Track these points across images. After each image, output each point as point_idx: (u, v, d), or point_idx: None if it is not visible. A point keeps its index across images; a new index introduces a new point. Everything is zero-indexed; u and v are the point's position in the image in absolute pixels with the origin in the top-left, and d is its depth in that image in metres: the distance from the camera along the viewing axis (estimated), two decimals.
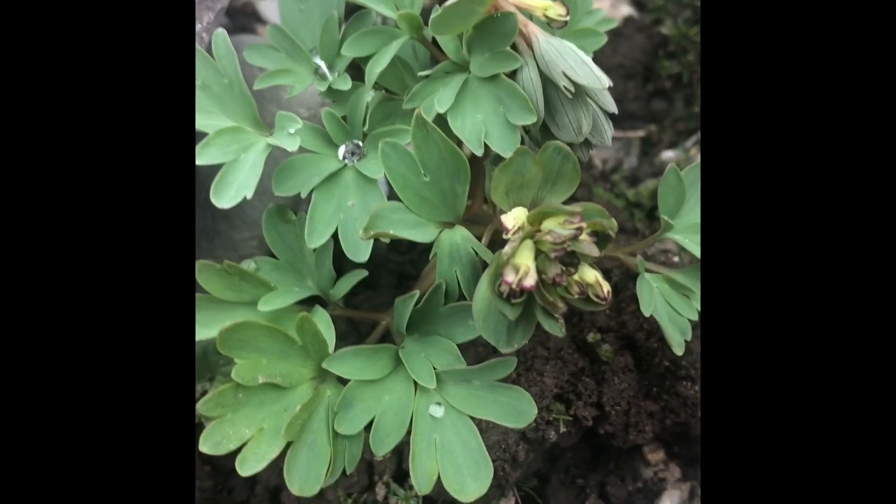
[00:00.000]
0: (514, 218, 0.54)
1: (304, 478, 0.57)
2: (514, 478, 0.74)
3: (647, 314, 0.67)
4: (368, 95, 0.66)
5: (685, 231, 0.70)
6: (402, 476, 0.79)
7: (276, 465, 0.81)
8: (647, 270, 0.71)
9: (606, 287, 0.55)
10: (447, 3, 0.56)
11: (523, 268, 0.51)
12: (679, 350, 0.67)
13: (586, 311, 0.80)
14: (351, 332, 0.82)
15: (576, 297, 0.54)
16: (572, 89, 0.58)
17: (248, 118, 0.65)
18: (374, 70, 0.64)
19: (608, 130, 0.62)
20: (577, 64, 0.58)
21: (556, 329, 0.55)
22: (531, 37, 0.60)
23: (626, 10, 1.22)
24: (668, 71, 1.10)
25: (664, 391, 0.78)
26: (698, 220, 0.70)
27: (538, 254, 0.53)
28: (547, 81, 0.60)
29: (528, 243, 0.53)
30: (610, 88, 0.62)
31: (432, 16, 0.57)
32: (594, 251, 0.53)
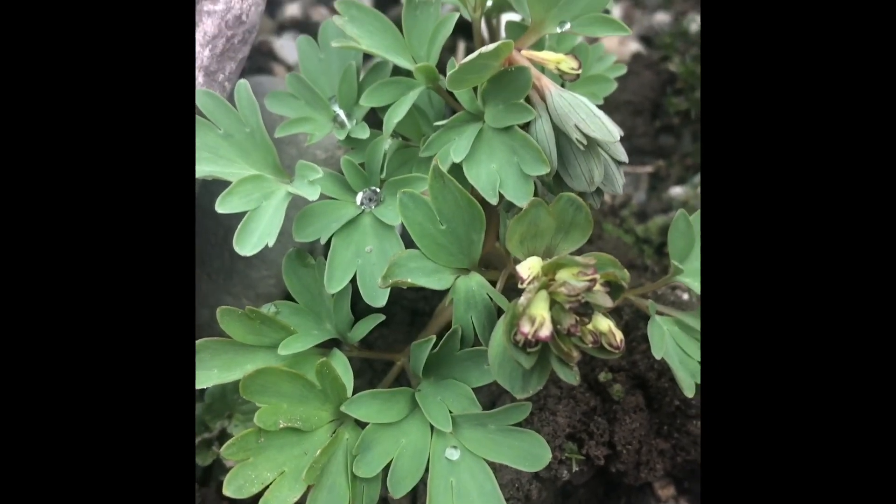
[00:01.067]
0: (528, 268, 0.56)
1: None
2: None
3: (658, 357, 0.68)
4: (386, 143, 0.68)
5: (695, 275, 0.71)
6: None
7: None
8: (658, 313, 0.73)
9: (619, 336, 0.56)
10: (464, 61, 0.58)
11: (539, 318, 0.53)
12: (689, 393, 0.69)
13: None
14: (366, 371, 0.83)
15: (589, 346, 0.56)
16: (584, 142, 0.60)
17: (269, 166, 0.67)
18: (392, 120, 0.66)
19: (619, 179, 0.64)
20: (588, 117, 0.59)
21: (571, 377, 0.57)
22: (544, 90, 0.62)
23: (634, 46, 1.24)
24: (675, 108, 1.11)
25: (675, 429, 0.79)
26: None
27: (553, 304, 0.55)
28: (559, 133, 0.62)
29: (543, 294, 0.54)
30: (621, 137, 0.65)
31: (448, 72, 0.59)
32: (608, 302, 0.54)
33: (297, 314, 0.67)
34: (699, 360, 0.69)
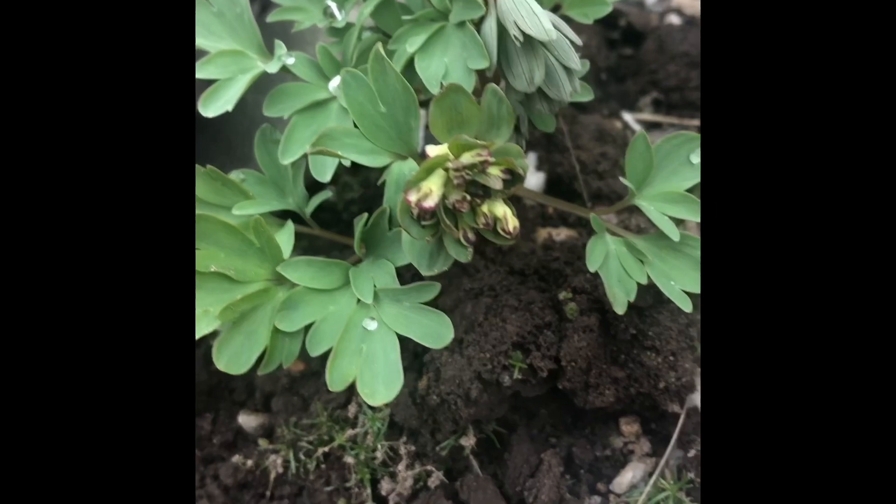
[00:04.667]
0: (437, 149, 0.59)
1: (233, 358, 0.64)
2: (467, 414, 0.78)
3: (591, 270, 0.69)
4: (364, 34, 0.72)
5: (653, 199, 0.71)
6: None
7: (273, 375, 0.90)
8: (612, 233, 0.73)
9: (513, 223, 0.58)
10: None
11: (425, 189, 0.56)
12: (620, 309, 0.69)
13: (567, 273, 0.82)
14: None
15: (482, 227, 0.58)
16: (521, 38, 0.61)
17: (254, 45, 0.73)
18: (364, 11, 0.70)
19: (566, 85, 0.65)
20: (528, 15, 0.61)
21: (463, 255, 0.59)
22: None
23: None
24: None
25: (630, 359, 0.79)
26: (669, 189, 0.71)
27: (447, 182, 0.57)
28: (506, 32, 0.64)
29: (440, 171, 0.57)
30: (579, 48, 0.66)
31: None
32: (497, 184, 0.56)
33: (262, 184, 0.73)
34: (638, 280, 0.70)
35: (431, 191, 0.56)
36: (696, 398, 0.84)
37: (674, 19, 1.20)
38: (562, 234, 0.92)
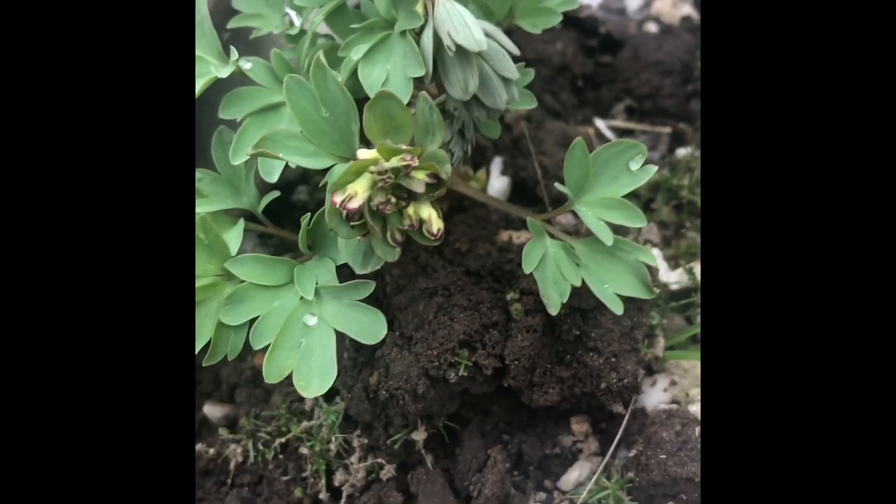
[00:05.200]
0: (366, 153, 0.61)
1: None
2: (415, 409, 0.80)
3: (526, 272, 0.72)
4: (320, 41, 0.75)
5: (592, 205, 0.73)
6: (330, 394, 0.87)
7: (237, 366, 0.93)
8: (553, 236, 0.76)
9: (437, 225, 0.61)
10: None
11: (350, 191, 0.59)
12: (554, 311, 0.72)
13: (519, 275, 0.85)
14: None
15: (407, 228, 0.61)
16: (454, 48, 0.64)
17: (214, 51, 0.76)
18: (317, 19, 0.73)
19: (501, 94, 0.68)
20: (460, 26, 0.63)
21: (390, 255, 0.62)
22: (436, 0, 0.67)
23: (687, 9, 1.22)
24: (698, 71, 1.10)
25: (575, 360, 0.82)
26: (607, 195, 0.73)
27: (373, 185, 0.60)
28: (442, 42, 0.66)
29: (367, 174, 0.60)
30: (517, 57, 0.68)
31: None
32: (420, 188, 0.59)
33: (217, 183, 0.77)
34: (573, 283, 0.72)
35: (357, 192, 0.59)
36: (643, 399, 0.86)
37: (651, 27, 1.21)
38: (522, 237, 0.94)
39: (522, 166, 1.00)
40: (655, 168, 0.72)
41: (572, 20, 1.19)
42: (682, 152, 1.07)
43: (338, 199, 0.59)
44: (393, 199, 0.60)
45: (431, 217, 0.61)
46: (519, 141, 1.02)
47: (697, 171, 1.03)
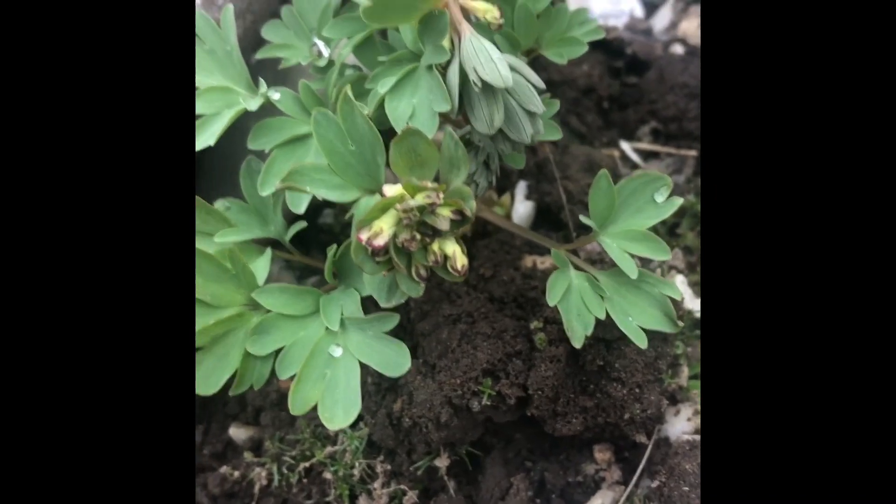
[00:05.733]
0: (392, 189, 0.62)
1: (204, 379, 0.68)
2: (438, 437, 0.81)
3: (551, 304, 0.72)
4: (347, 71, 0.76)
5: (616, 236, 0.73)
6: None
7: (262, 390, 0.94)
8: (577, 267, 0.76)
9: (462, 261, 0.61)
10: None
11: (376, 228, 0.59)
12: (577, 343, 0.72)
13: (542, 302, 0.85)
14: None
15: (431, 264, 0.61)
16: (479, 84, 0.64)
17: (242, 81, 0.77)
18: (344, 51, 0.74)
19: (527, 128, 0.68)
20: (486, 62, 0.64)
21: (415, 291, 0.62)
22: (462, 34, 0.67)
23: None
24: None
25: (598, 389, 0.82)
26: (632, 228, 0.73)
27: (398, 221, 0.60)
28: (467, 77, 0.67)
29: (392, 210, 0.60)
30: (543, 90, 0.69)
31: (362, 6, 0.65)
32: (444, 225, 0.59)
33: (245, 212, 0.78)
34: (597, 315, 0.72)
35: (382, 230, 0.59)
36: (667, 429, 0.86)
37: (678, 49, 1.21)
38: (546, 262, 0.94)
39: (547, 191, 1.00)
40: (681, 200, 0.72)
41: (598, 42, 1.18)
42: None
43: (364, 235, 0.59)
44: (418, 236, 0.60)
45: (456, 253, 0.61)
46: (544, 165, 1.02)
47: None
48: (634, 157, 1.12)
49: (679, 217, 1.04)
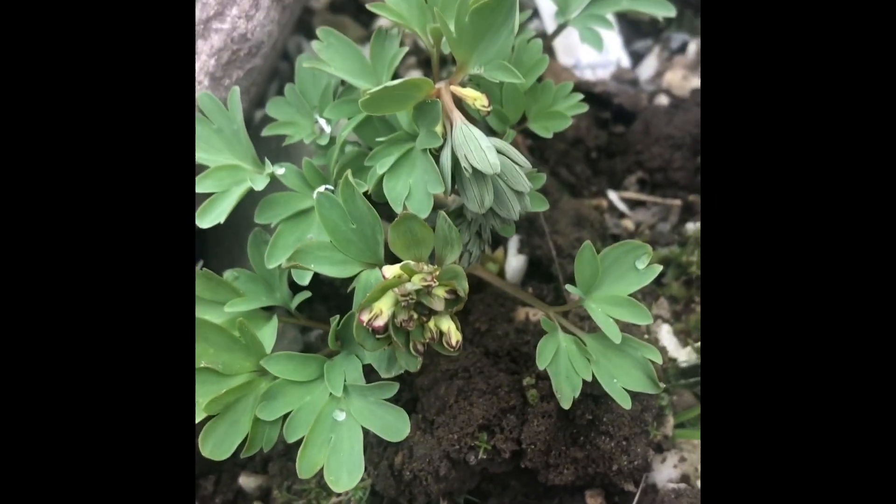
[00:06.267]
0: (390, 271, 0.67)
1: (217, 445, 0.73)
2: (437, 489, 0.86)
3: (540, 367, 0.77)
4: (347, 147, 0.81)
5: (601, 302, 0.78)
6: None
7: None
8: (566, 329, 0.81)
9: (456, 337, 0.66)
10: (373, 90, 0.70)
11: (376, 310, 0.64)
12: (566, 404, 0.77)
13: (535, 357, 0.90)
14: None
15: (427, 341, 0.66)
16: (470, 170, 0.69)
17: (249, 158, 0.82)
18: (343, 134, 0.79)
19: (515, 206, 0.73)
20: (476, 150, 0.69)
21: (413, 365, 0.67)
22: (453, 122, 0.72)
23: (696, 82, 1.27)
24: None
25: (588, 441, 0.86)
26: (616, 293, 0.78)
27: (397, 301, 0.65)
28: (459, 162, 0.72)
29: (391, 292, 0.65)
30: (527, 169, 0.74)
31: (361, 100, 0.71)
32: (440, 306, 0.64)
33: (253, 281, 0.82)
34: (584, 377, 0.77)
35: (382, 311, 0.64)
36: (654, 476, 0.91)
37: (663, 100, 1.26)
38: (538, 314, 0.99)
39: (538, 245, 1.05)
40: (661, 268, 0.77)
41: (587, 94, 1.24)
42: (691, 227, 1.11)
43: (365, 317, 0.64)
44: (415, 316, 0.65)
45: (451, 330, 0.66)
46: (534, 220, 1.07)
47: None
48: (622, 206, 1.17)
49: (665, 266, 1.08)
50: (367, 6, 0.78)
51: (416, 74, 1.22)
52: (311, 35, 1.32)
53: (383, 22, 1.26)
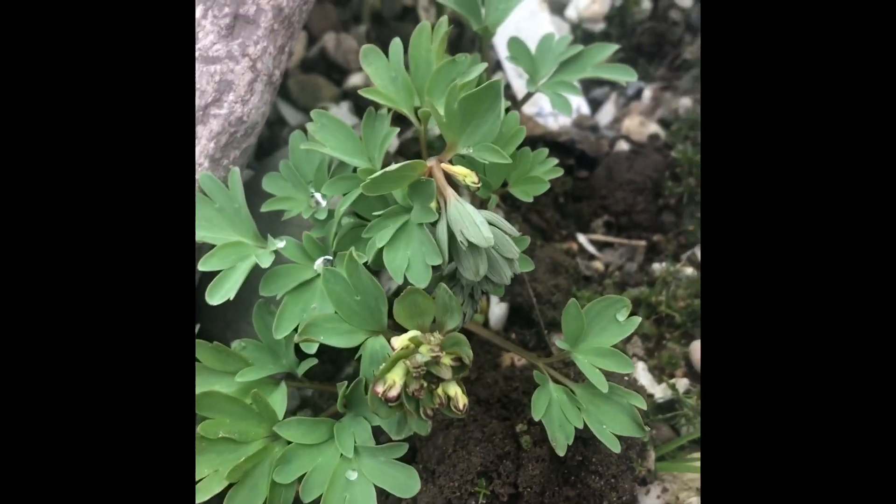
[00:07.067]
0: (400, 341, 0.73)
1: None
2: None
3: (536, 419, 0.83)
4: (344, 220, 0.87)
5: (587, 353, 0.85)
6: None
7: None
8: (556, 380, 0.87)
9: (463, 401, 0.72)
10: (373, 175, 0.76)
11: (390, 381, 0.70)
12: (561, 452, 0.83)
13: (524, 402, 0.96)
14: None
15: (437, 406, 0.72)
16: (466, 244, 0.75)
17: (250, 234, 0.87)
18: (340, 209, 0.84)
19: (506, 271, 0.79)
20: (471, 226, 0.75)
21: (423, 429, 0.73)
22: (447, 198, 0.78)
23: (653, 128, 1.35)
24: (671, 191, 1.23)
25: (579, 481, 0.93)
26: (601, 345, 0.85)
27: (407, 371, 0.71)
28: (454, 235, 0.78)
29: (402, 363, 0.71)
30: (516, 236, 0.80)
31: (362, 185, 0.76)
32: (447, 374, 0.70)
33: (260, 350, 0.87)
34: (576, 425, 0.83)
35: (395, 382, 0.70)
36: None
37: (623, 146, 1.34)
38: (523, 360, 1.06)
39: (518, 292, 1.12)
40: (640, 319, 0.84)
41: (552, 144, 1.31)
42: (657, 266, 1.19)
43: (379, 389, 0.70)
44: (425, 384, 0.71)
45: (457, 394, 0.72)
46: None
47: (673, 286, 1.15)
48: (591, 248, 1.24)
49: (636, 307, 1.16)
50: (360, 92, 0.84)
51: (398, 141, 1.28)
52: (286, 95, 1.37)
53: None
